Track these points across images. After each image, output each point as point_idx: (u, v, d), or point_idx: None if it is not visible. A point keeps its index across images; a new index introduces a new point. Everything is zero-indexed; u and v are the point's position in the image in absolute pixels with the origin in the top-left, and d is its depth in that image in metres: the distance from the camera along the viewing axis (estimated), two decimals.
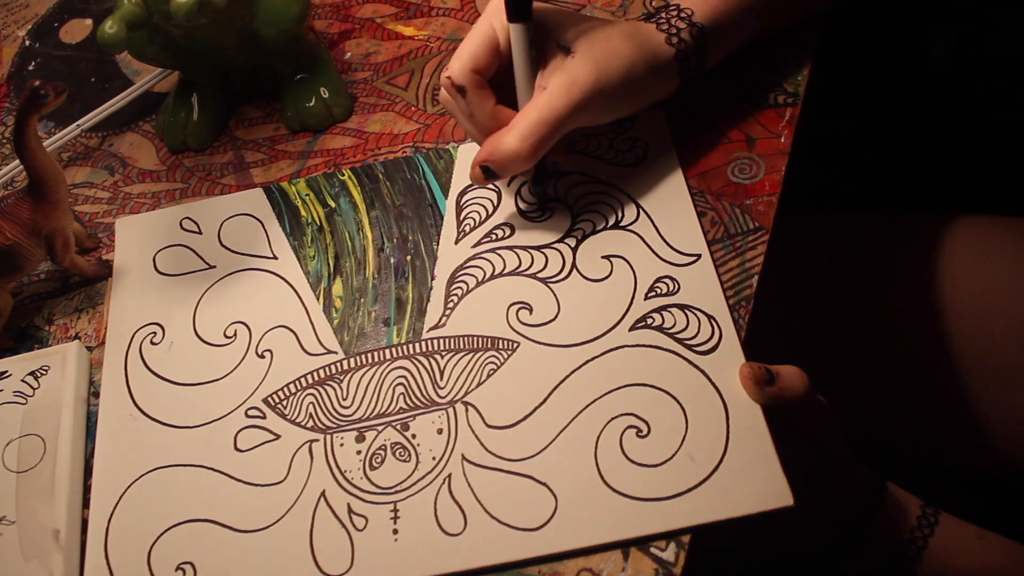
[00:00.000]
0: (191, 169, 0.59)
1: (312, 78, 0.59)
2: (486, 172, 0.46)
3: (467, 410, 0.45)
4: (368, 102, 0.60)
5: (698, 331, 0.45)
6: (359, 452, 0.45)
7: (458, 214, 0.52)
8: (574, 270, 0.48)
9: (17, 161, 0.61)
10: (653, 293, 0.47)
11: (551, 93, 0.45)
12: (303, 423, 0.46)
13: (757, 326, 0.46)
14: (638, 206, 0.50)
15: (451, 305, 0.48)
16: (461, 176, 0.53)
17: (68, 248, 0.52)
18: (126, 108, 0.64)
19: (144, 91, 0.64)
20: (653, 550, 0.40)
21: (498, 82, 0.47)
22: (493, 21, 0.46)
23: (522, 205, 0.52)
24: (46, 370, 0.50)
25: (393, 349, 0.48)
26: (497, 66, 0.46)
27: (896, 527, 0.48)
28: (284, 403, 0.47)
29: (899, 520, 0.48)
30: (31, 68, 0.69)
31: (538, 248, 0.50)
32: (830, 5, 0.55)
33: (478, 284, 0.49)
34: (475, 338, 0.47)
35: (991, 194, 0.74)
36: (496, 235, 0.51)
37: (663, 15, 0.49)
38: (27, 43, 0.70)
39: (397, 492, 0.43)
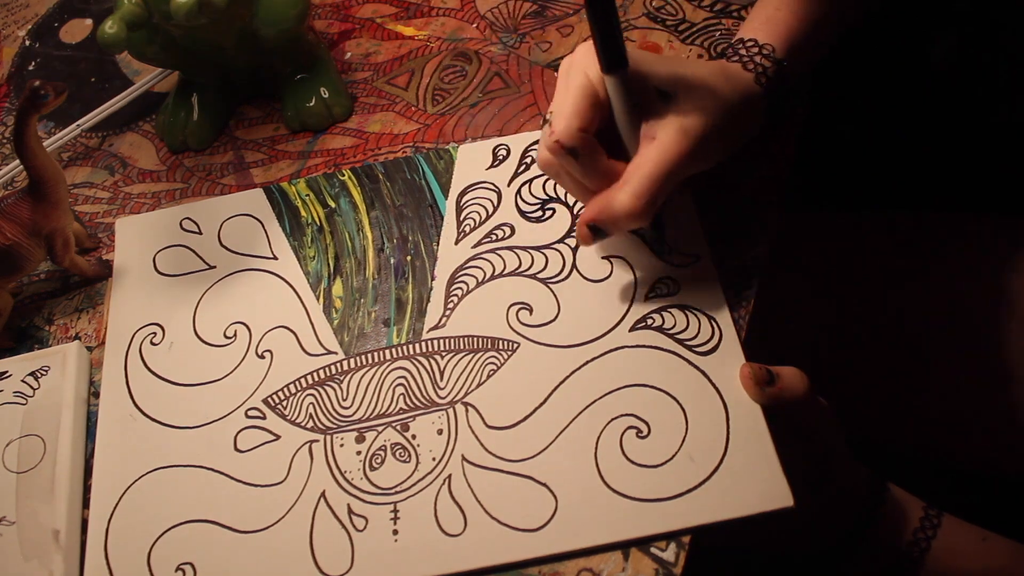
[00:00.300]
0: (191, 169, 0.59)
1: (312, 78, 0.59)
2: (594, 232, 0.44)
3: (467, 410, 0.45)
4: (368, 102, 0.60)
5: (698, 331, 0.45)
6: (359, 453, 0.45)
7: (458, 214, 0.52)
8: (574, 270, 0.48)
9: (17, 161, 0.61)
10: (653, 294, 0.47)
11: (663, 144, 0.42)
12: (303, 424, 0.46)
13: (757, 326, 0.47)
14: None
15: (451, 305, 0.48)
16: (461, 176, 0.53)
17: (68, 248, 0.52)
18: (126, 108, 0.64)
19: (144, 91, 0.64)
20: (653, 550, 0.40)
21: (599, 135, 0.44)
22: (588, 72, 0.43)
23: (523, 206, 0.52)
24: (46, 370, 0.50)
25: (393, 350, 0.48)
26: (601, 120, 0.43)
27: (898, 528, 0.48)
28: (284, 403, 0.47)
29: (900, 521, 0.48)
30: (31, 68, 0.69)
31: (538, 248, 0.50)
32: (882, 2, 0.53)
33: (478, 284, 0.49)
34: (475, 339, 0.47)
35: (991, 195, 0.74)
36: (496, 235, 0.51)
37: (742, 51, 0.47)
38: (27, 43, 0.70)
39: (397, 492, 0.43)
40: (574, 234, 0.50)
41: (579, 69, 0.43)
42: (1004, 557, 0.48)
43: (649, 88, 0.43)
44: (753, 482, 0.41)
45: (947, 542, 0.47)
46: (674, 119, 0.43)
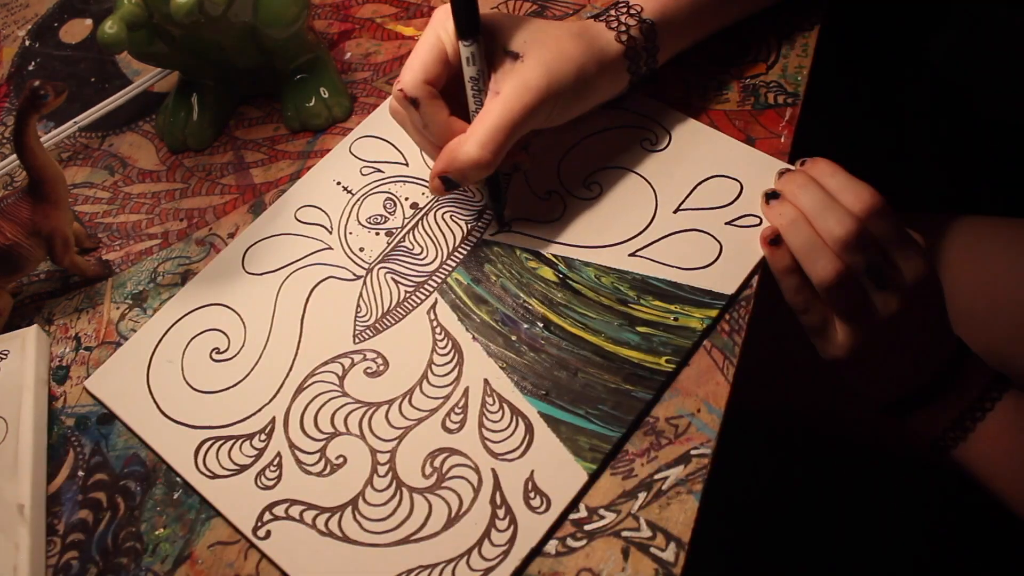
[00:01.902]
0: (191, 169, 0.59)
1: (312, 78, 0.59)
2: (446, 183, 0.47)
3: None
4: (368, 102, 0.60)
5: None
6: None
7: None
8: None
9: (13, 156, 0.61)
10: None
11: (505, 98, 0.45)
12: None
13: (757, 326, 0.47)
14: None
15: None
16: None
17: (68, 248, 0.52)
18: (126, 108, 0.64)
19: (143, 90, 0.64)
20: (653, 550, 0.40)
21: (448, 92, 0.47)
22: (440, 32, 0.46)
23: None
24: (6, 354, 0.51)
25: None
26: (447, 76, 0.47)
27: (967, 388, 0.49)
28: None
29: (972, 381, 0.49)
30: (31, 68, 0.69)
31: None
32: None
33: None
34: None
35: (990, 194, 0.74)
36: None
37: (612, 12, 0.49)
38: (27, 43, 0.70)
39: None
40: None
41: (433, 29, 0.46)
42: None
43: (499, 48, 0.46)
44: None
45: (1006, 413, 0.49)
46: (518, 74, 0.45)
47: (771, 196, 0.47)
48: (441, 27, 0.46)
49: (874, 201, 0.45)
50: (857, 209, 0.45)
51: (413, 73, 0.46)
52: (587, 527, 0.42)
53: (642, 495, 0.42)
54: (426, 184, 0.54)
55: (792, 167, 0.49)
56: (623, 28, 0.48)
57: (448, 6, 0.45)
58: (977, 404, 0.49)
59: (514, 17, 0.48)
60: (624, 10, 0.49)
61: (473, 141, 0.45)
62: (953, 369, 0.49)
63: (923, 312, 0.48)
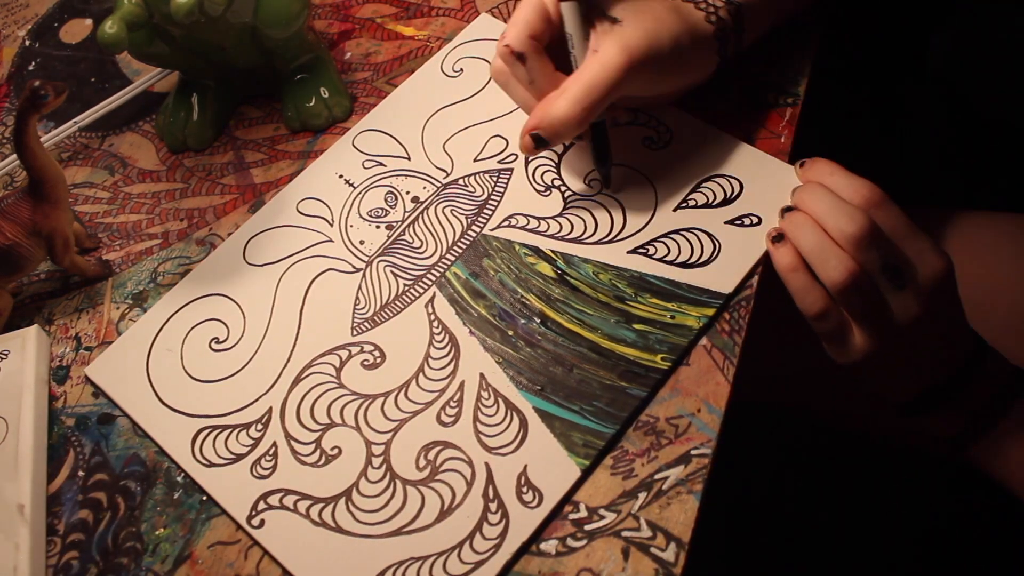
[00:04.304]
0: (191, 169, 0.59)
1: (312, 78, 0.59)
2: (536, 140, 0.46)
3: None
4: (368, 102, 0.60)
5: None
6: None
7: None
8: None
9: (13, 156, 0.61)
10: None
11: (604, 56, 0.44)
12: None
13: (757, 326, 0.47)
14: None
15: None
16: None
17: (68, 248, 0.52)
18: (126, 108, 0.64)
19: (143, 90, 0.64)
20: (653, 550, 0.40)
21: (551, 53, 0.47)
22: None
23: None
24: (6, 354, 0.51)
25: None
26: (550, 34, 0.47)
27: (985, 385, 0.48)
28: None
29: (991, 378, 0.49)
30: (31, 68, 0.69)
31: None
32: None
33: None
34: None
35: (990, 194, 0.74)
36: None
37: None
38: (27, 43, 0.70)
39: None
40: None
41: None
42: None
43: (599, 11, 0.46)
44: None
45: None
46: (617, 36, 0.45)
47: (786, 210, 0.47)
48: None
49: (874, 194, 0.45)
50: (858, 204, 0.44)
51: (518, 29, 0.46)
52: (587, 527, 0.42)
53: (642, 495, 0.42)
54: (427, 178, 0.54)
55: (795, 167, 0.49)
56: (712, 9, 0.48)
57: None
58: (996, 401, 0.48)
59: None
60: None
61: (566, 98, 0.45)
62: (971, 367, 0.48)
63: (943, 310, 0.47)
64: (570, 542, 0.41)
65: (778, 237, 0.46)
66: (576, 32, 0.46)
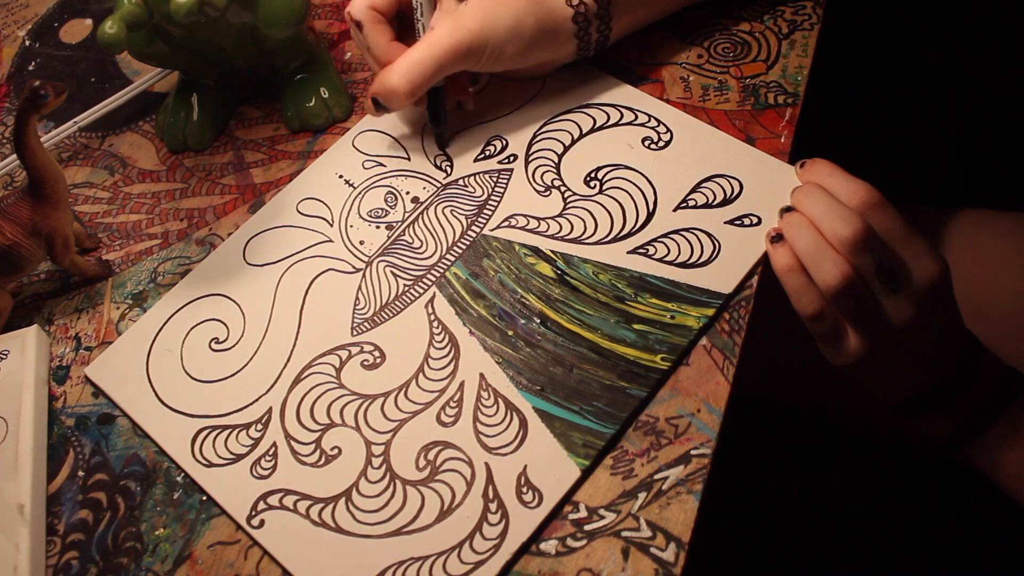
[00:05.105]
0: (191, 169, 0.59)
1: (312, 78, 0.59)
2: (376, 104, 0.50)
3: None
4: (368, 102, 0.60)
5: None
6: None
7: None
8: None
9: (14, 156, 0.61)
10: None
11: (434, 36, 0.48)
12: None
13: (757, 326, 0.47)
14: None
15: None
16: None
17: (68, 248, 0.52)
18: (126, 108, 0.64)
19: (143, 90, 0.64)
20: (653, 550, 0.40)
21: (405, 24, 0.51)
22: None
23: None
24: (6, 354, 0.51)
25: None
26: (396, 6, 0.51)
27: (981, 386, 0.48)
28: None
29: (986, 379, 0.48)
30: (31, 68, 0.69)
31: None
32: None
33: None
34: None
35: (991, 194, 0.74)
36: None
37: None
38: (27, 43, 0.70)
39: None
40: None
41: None
42: None
43: None
44: None
45: (1021, 411, 0.48)
46: (453, 17, 0.48)
47: (785, 210, 0.47)
48: None
49: (871, 197, 0.45)
50: (855, 206, 0.44)
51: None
52: (587, 527, 0.42)
53: (642, 495, 0.42)
54: (427, 178, 0.54)
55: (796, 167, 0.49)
56: (577, 1, 0.49)
57: None
58: (991, 402, 0.48)
59: None
60: None
61: (395, 71, 0.48)
62: (967, 368, 0.48)
63: (938, 314, 0.47)
64: (570, 542, 0.41)
65: (777, 237, 0.46)
66: (425, 3, 0.50)
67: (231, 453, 0.46)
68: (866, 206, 0.44)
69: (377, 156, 0.55)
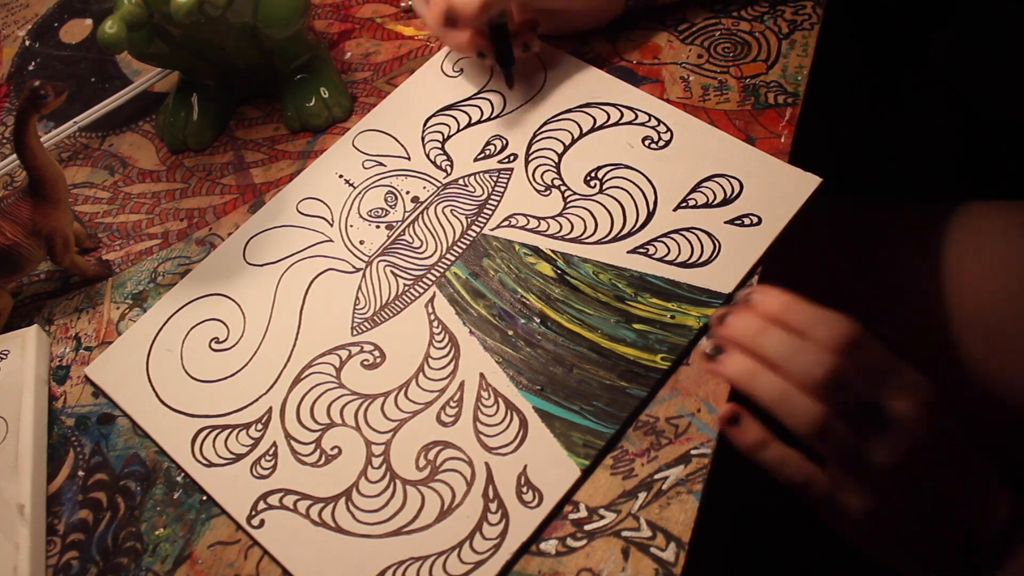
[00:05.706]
0: (191, 169, 0.59)
1: (312, 78, 0.59)
2: (446, 20, 0.51)
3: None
4: (368, 102, 0.60)
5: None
6: None
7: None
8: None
9: (14, 156, 0.61)
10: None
11: None
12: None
13: None
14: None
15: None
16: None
17: (68, 248, 0.52)
18: (126, 108, 0.64)
19: (143, 90, 0.64)
20: (653, 550, 0.40)
21: None
22: None
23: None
24: (6, 354, 0.51)
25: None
26: None
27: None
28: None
29: None
30: (31, 68, 0.69)
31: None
32: None
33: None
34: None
35: (991, 194, 0.74)
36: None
37: None
38: (27, 43, 0.70)
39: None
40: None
41: None
42: None
43: None
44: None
45: None
46: None
47: (716, 351, 0.40)
48: None
49: (853, 332, 0.38)
50: (834, 344, 0.38)
51: None
52: (587, 527, 0.42)
53: (642, 495, 0.42)
54: (427, 178, 0.54)
55: (728, 305, 0.43)
56: None
57: None
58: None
59: None
60: None
61: None
62: (1016, 526, 0.40)
63: (942, 444, 0.39)
64: (570, 542, 0.41)
65: (735, 419, 0.40)
66: None
67: (231, 453, 0.46)
68: (849, 342, 0.38)
69: (377, 156, 0.55)
